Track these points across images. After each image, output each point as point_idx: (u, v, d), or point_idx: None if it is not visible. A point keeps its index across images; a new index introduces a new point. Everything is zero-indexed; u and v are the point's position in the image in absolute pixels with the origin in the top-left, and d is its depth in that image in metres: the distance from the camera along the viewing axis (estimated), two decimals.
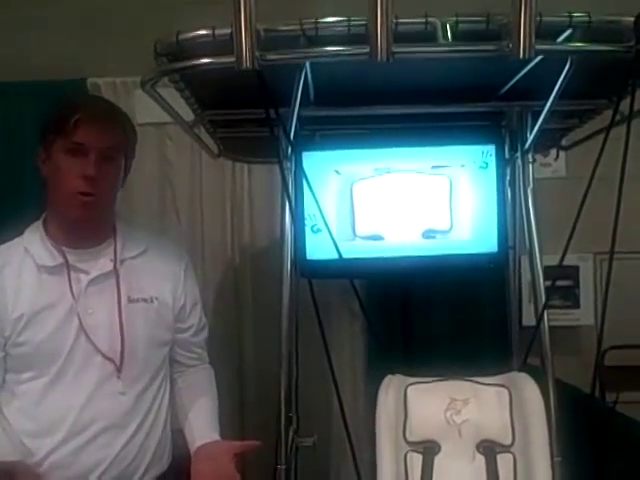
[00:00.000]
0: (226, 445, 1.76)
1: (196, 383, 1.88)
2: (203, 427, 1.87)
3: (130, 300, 1.76)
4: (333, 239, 1.79)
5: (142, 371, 1.77)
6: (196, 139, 2.43)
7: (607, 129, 1.80)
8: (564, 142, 2.77)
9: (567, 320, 3.53)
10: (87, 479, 1.67)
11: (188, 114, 2.33)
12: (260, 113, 2.02)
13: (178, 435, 1.95)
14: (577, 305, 3.57)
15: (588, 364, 3.53)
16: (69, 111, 1.72)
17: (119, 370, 1.71)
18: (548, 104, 1.96)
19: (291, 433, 2.43)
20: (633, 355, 3.52)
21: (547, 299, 2.14)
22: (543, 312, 2.14)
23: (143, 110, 3.52)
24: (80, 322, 1.67)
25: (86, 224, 1.73)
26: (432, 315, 3.38)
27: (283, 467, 2.29)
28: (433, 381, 1.85)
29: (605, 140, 1.78)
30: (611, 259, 1.80)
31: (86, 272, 1.72)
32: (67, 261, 1.70)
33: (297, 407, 2.62)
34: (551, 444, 2.14)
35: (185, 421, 1.89)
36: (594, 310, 3.59)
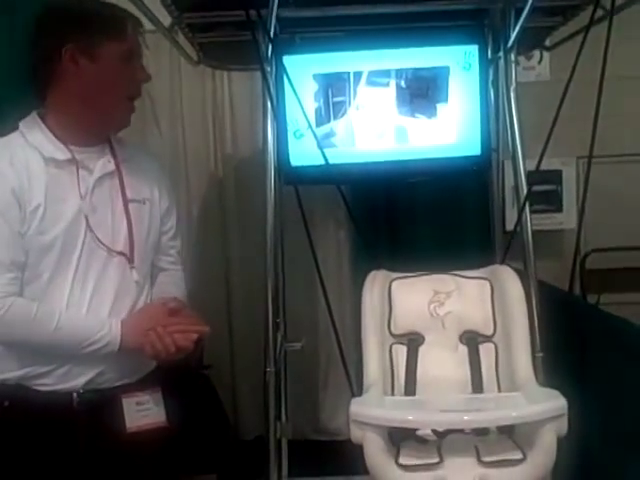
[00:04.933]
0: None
1: (166, 282, 1.91)
2: None
3: (127, 199, 1.78)
4: (319, 143, 1.78)
5: (145, 268, 1.82)
6: (174, 44, 2.39)
7: (587, 25, 1.77)
8: (548, 42, 2.73)
9: (550, 224, 3.56)
10: (91, 373, 1.70)
11: (166, 20, 2.29)
12: (239, 15, 1.99)
13: None
14: (560, 209, 3.59)
15: (571, 267, 3.60)
16: (120, 16, 1.72)
17: (131, 260, 1.75)
18: None
19: (279, 338, 2.48)
20: (615, 258, 3.56)
21: (525, 201, 2.15)
22: (522, 214, 2.15)
23: None
24: (87, 219, 1.69)
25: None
26: (417, 221, 3.41)
27: (272, 370, 2.35)
28: (417, 275, 1.89)
29: (584, 37, 1.75)
30: (589, 162, 1.80)
31: (90, 171, 1.73)
32: (75, 157, 1.70)
33: (284, 313, 2.66)
34: (533, 341, 2.22)
35: None
36: (577, 214, 3.62)
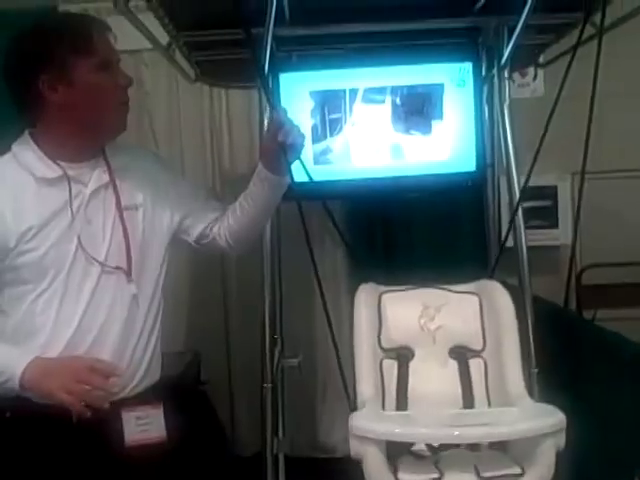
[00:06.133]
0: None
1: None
2: None
3: (123, 208, 1.79)
4: (303, 163, 1.80)
5: (139, 279, 1.80)
6: (172, 62, 2.41)
7: (576, 43, 1.80)
8: (542, 59, 2.75)
9: (546, 240, 3.57)
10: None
11: (164, 39, 2.31)
12: (236, 33, 2.01)
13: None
14: (556, 225, 3.61)
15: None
16: (83, 28, 1.68)
17: (129, 274, 1.74)
18: (523, 16, 1.96)
19: (276, 354, 2.49)
20: (611, 273, 3.57)
21: (513, 216, 2.17)
22: (510, 228, 2.17)
23: (118, 37, 3.46)
24: (80, 233, 1.69)
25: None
26: (413, 237, 3.42)
27: (269, 386, 2.36)
28: (406, 289, 1.91)
29: (573, 55, 1.77)
30: (582, 178, 1.82)
31: (85, 184, 1.73)
32: (66, 173, 1.71)
33: (282, 329, 2.67)
34: (529, 357, 2.23)
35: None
36: (573, 229, 3.63)
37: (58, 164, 1.71)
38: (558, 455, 1.50)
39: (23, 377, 1.60)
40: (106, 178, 1.75)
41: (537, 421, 1.49)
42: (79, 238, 1.69)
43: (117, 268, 1.73)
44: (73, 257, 1.69)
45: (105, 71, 1.69)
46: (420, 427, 1.53)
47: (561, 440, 1.47)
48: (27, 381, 1.60)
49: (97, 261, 1.70)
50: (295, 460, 2.87)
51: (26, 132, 1.77)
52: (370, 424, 1.52)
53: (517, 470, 1.50)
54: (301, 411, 3.47)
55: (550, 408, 1.55)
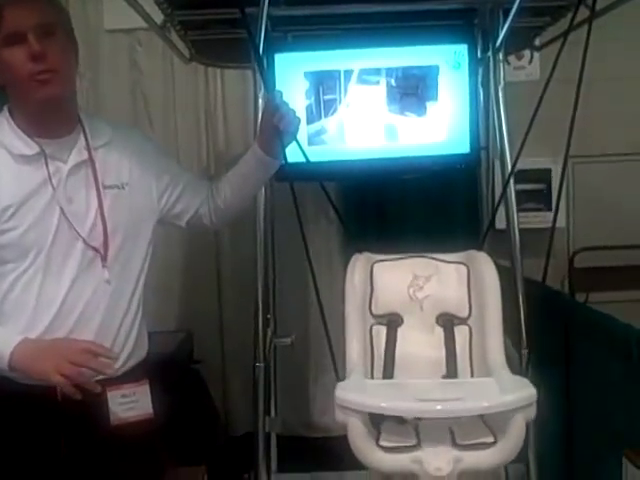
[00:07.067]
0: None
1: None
2: None
3: (104, 186, 1.76)
4: (299, 144, 1.80)
5: (126, 257, 1.78)
6: (167, 41, 2.40)
7: (569, 26, 1.79)
8: (537, 42, 2.75)
9: (540, 222, 3.57)
10: None
11: (158, 18, 2.30)
12: (231, 13, 2.01)
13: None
14: (549, 207, 3.61)
15: (560, 266, 3.63)
16: None
17: (104, 258, 1.73)
18: None
19: (269, 333, 2.50)
20: (604, 256, 3.59)
21: (501, 198, 2.18)
22: (500, 203, 2.19)
23: (112, 16, 3.46)
24: (62, 211, 1.68)
25: (56, 104, 1.71)
26: (407, 217, 3.42)
27: (262, 365, 2.37)
28: (398, 258, 1.93)
29: (565, 38, 1.77)
30: (565, 161, 1.82)
31: (64, 161, 1.71)
32: (43, 150, 1.70)
33: (274, 308, 2.68)
34: (520, 337, 2.26)
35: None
36: (566, 212, 3.65)
37: (35, 141, 1.70)
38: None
39: (12, 357, 1.59)
40: (85, 155, 1.73)
41: (512, 396, 1.54)
42: (60, 215, 1.67)
43: (94, 249, 1.71)
44: (54, 236, 1.67)
45: (14, 45, 1.63)
46: (401, 401, 1.58)
47: (531, 413, 1.54)
48: (16, 361, 1.60)
49: (81, 236, 1.68)
50: (288, 439, 2.90)
51: (5, 108, 1.75)
52: (354, 396, 1.57)
53: (490, 439, 1.55)
54: (294, 390, 3.49)
55: (524, 381, 1.61)
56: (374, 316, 1.85)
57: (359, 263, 1.91)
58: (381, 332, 1.83)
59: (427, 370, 1.77)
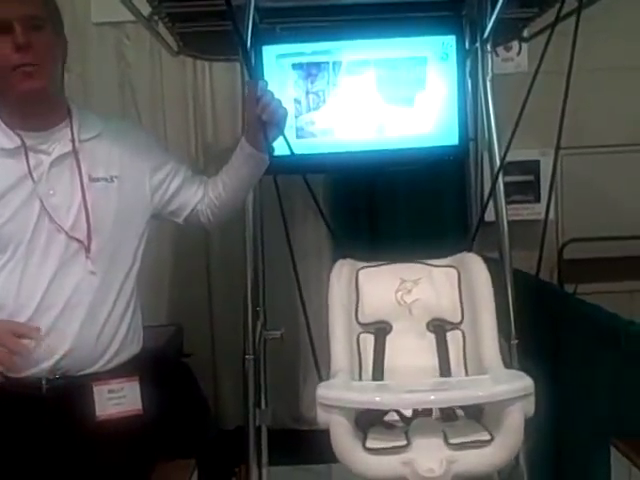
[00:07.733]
0: None
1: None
2: None
3: (91, 179, 1.75)
4: (284, 136, 1.78)
5: (113, 250, 1.77)
6: (154, 34, 2.39)
7: (556, 17, 1.79)
8: (525, 34, 2.75)
9: (528, 214, 3.58)
10: (53, 358, 1.69)
11: (146, 10, 2.29)
12: (218, 5, 1.99)
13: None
14: (538, 199, 3.62)
15: (549, 257, 3.64)
16: None
17: (87, 249, 1.72)
18: None
19: (259, 326, 2.50)
20: (592, 248, 3.59)
21: (491, 190, 2.18)
22: (490, 196, 2.19)
23: (99, 9, 3.44)
24: (42, 203, 1.67)
25: (38, 98, 1.69)
26: (396, 210, 3.40)
27: (251, 357, 2.37)
28: (383, 264, 1.89)
29: (552, 29, 1.77)
30: (557, 153, 1.82)
31: (47, 153, 1.70)
32: (24, 143, 1.68)
33: (264, 302, 2.68)
34: (508, 328, 2.25)
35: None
36: (555, 204, 3.66)
37: (18, 134, 1.68)
38: (532, 423, 1.50)
39: None
40: (69, 147, 1.72)
41: (508, 385, 1.48)
42: (41, 208, 1.66)
43: (78, 241, 1.70)
44: (34, 228, 1.66)
45: (1, 34, 1.62)
46: (390, 394, 1.53)
47: (530, 406, 1.47)
48: None
49: (62, 229, 1.68)
50: (278, 432, 2.89)
51: None
52: (336, 392, 1.51)
53: (486, 436, 1.48)
54: (284, 383, 3.49)
55: (520, 374, 1.56)
56: (361, 325, 1.80)
57: (342, 271, 1.85)
58: (369, 341, 1.76)
59: (419, 378, 1.69)
